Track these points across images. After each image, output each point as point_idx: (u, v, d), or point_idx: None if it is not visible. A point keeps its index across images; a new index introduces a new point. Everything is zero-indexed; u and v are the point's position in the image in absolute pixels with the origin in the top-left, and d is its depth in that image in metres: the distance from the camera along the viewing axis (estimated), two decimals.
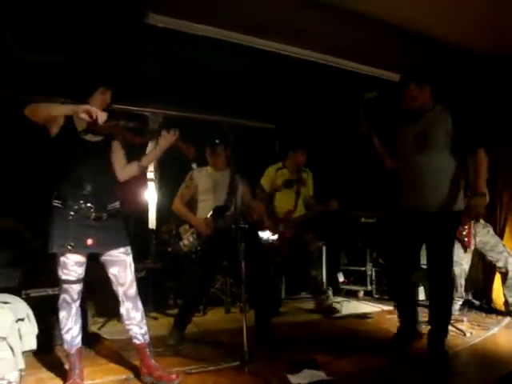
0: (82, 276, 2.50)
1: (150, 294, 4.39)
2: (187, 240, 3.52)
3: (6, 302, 2.65)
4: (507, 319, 4.04)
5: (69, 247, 2.38)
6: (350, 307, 4.91)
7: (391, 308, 4.50)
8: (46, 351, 3.06)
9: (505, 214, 4.49)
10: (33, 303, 3.00)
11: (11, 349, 2.44)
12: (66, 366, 2.62)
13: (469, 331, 3.59)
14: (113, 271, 2.57)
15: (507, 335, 3.70)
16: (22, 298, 3.02)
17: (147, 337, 2.65)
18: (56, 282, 3.26)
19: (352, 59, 4.25)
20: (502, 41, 3.90)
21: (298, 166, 4.64)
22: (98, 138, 2.54)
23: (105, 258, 2.55)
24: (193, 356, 3.07)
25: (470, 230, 4.12)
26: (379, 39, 3.84)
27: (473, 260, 4.41)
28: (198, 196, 3.60)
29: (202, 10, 3.37)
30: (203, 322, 4.11)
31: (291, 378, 2.62)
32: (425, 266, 3.03)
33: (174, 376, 2.54)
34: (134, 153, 2.76)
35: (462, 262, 4.17)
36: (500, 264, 4.19)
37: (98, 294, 3.78)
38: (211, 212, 3.49)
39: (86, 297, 2.60)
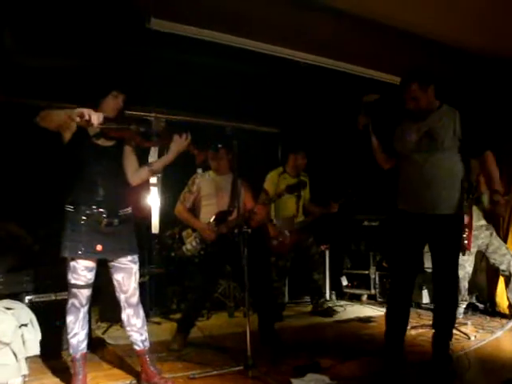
0: (91, 281, 2.51)
1: (153, 298, 4.40)
2: (190, 245, 3.52)
3: (9, 308, 2.66)
4: (511, 323, 4.02)
5: (79, 252, 2.40)
6: (354, 311, 4.90)
7: None
8: (50, 357, 3.07)
9: (508, 216, 4.47)
10: (36, 309, 3.03)
11: (14, 354, 2.46)
12: (70, 372, 2.62)
13: (473, 334, 3.57)
14: (117, 277, 2.58)
15: (511, 339, 3.68)
16: (25, 304, 3.04)
17: (147, 343, 2.66)
18: (58, 287, 3.30)
19: (353, 62, 4.25)
20: (505, 43, 3.89)
21: (299, 170, 4.66)
22: (110, 142, 2.55)
23: (112, 263, 2.57)
24: (196, 360, 3.08)
25: (470, 232, 4.10)
26: (380, 42, 3.84)
27: (477, 263, 4.40)
28: (201, 200, 3.60)
29: (204, 14, 3.38)
30: (207, 326, 4.10)
31: (295, 382, 2.62)
32: (428, 269, 3.01)
33: None
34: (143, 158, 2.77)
35: (465, 264, 4.16)
36: (503, 267, 4.17)
37: (102, 300, 3.78)
38: (214, 216, 3.50)
39: (90, 302, 2.59)
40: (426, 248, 3.00)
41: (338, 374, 2.76)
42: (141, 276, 2.90)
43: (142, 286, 2.75)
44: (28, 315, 2.80)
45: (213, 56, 3.96)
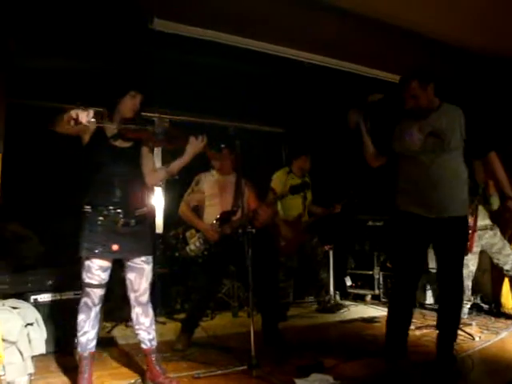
0: (104, 281, 2.52)
1: (158, 298, 4.41)
2: (194, 245, 3.53)
3: (14, 307, 2.69)
4: None
5: (96, 252, 2.42)
6: (358, 311, 4.91)
7: None
8: (55, 356, 3.09)
9: None
10: (41, 308, 3.05)
11: (20, 353, 2.48)
12: (75, 370, 2.64)
13: (477, 335, 3.56)
14: (130, 276, 2.60)
15: None
16: (30, 303, 3.06)
17: (154, 343, 2.68)
18: (64, 287, 3.33)
19: (357, 62, 4.25)
20: (507, 43, 3.87)
21: (304, 171, 4.69)
22: (128, 143, 2.57)
23: (127, 263, 2.59)
24: (201, 360, 3.09)
25: (473, 233, 4.09)
26: (384, 41, 3.83)
27: (482, 263, 4.39)
28: (205, 201, 3.61)
29: (207, 14, 3.39)
30: (211, 326, 4.11)
31: (298, 381, 2.62)
32: (432, 270, 2.99)
33: None
34: None
35: (468, 263, 4.15)
36: (507, 267, 4.16)
37: (107, 299, 3.80)
38: (217, 217, 3.51)
39: (103, 302, 2.61)
40: (430, 248, 2.99)
41: (341, 373, 2.76)
42: None
43: None
44: (34, 314, 2.82)
45: (216, 56, 3.96)
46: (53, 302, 3.27)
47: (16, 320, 2.56)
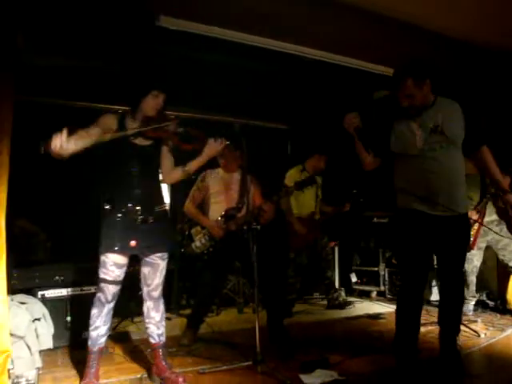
0: (119, 278, 2.54)
1: (164, 294, 4.43)
2: (199, 242, 3.55)
3: (22, 303, 2.72)
4: None
5: (116, 248, 2.46)
6: (363, 307, 4.92)
7: None
8: (63, 350, 3.13)
9: None
10: (48, 304, 3.08)
11: (28, 348, 2.51)
12: (82, 365, 2.67)
13: (483, 332, 3.56)
14: (144, 271, 2.64)
15: None
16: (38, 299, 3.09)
17: (163, 338, 2.70)
18: (71, 283, 3.36)
19: (362, 58, 4.23)
20: (509, 36, 3.84)
21: (317, 170, 4.73)
22: (148, 142, 2.60)
23: (143, 258, 2.63)
24: (206, 356, 3.11)
25: (478, 230, 4.08)
26: (390, 37, 3.81)
27: (488, 260, 4.38)
28: (210, 198, 3.62)
29: (214, 11, 3.39)
30: (216, 322, 4.14)
31: (303, 377, 2.64)
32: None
33: (180, 379, 2.56)
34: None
35: (473, 258, 4.15)
36: None
37: None
38: (223, 213, 3.52)
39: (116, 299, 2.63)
40: None
41: (346, 369, 2.78)
42: None
43: None
44: (41, 310, 2.86)
45: (221, 53, 3.96)
46: (60, 298, 3.30)
47: (24, 315, 2.59)
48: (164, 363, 2.66)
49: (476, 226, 4.07)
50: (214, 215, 3.56)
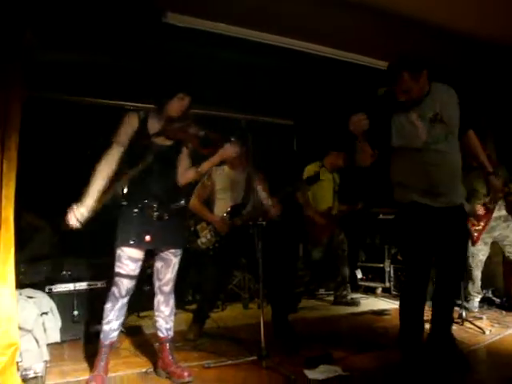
0: (133, 273, 2.56)
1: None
2: (205, 238, 3.57)
3: (30, 297, 2.76)
4: None
5: (131, 242, 2.49)
6: (368, 304, 4.92)
7: None
8: (70, 344, 3.16)
9: None
10: (55, 298, 3.11)
11: (36, 341, 2.54)
12: (89, 359, 2.70)
13: (488, 329, 3.55)
14: (157, 265, 2.69)
15: None
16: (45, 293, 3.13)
17: (171, 332, 2.73)
18: (78, 278, 3.39)
19: (368, 54, 4.22)
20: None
21: (335, 167, 4.76)
22: (169, 142, 2.64)
23: (158, 253, 2.68)
24: (211, 350, 3.14)
25: (485, 225, 4.05)
26: (394, 33, 3.80)
27: (493, 257, 4.36)
28: (215, 194, 3.64)
29: (221, 8, 3.40)
30: (222, 317, 4.16)
31: (308, 372, 2.66)
32: None
33: (186, 373, 2.59)
34: None
35: (478, 253, 4.13)
36: None
37: None
38: (228, 209, 3.53)
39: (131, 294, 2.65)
40: None
41: (350, 365, 2.79)
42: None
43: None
44: (48, 304, 2.89)
45: (227, 50, 3.96)
46: (67, 292, 3.33)
47: (32, 309, 2.63)
48: (170, 357, 2.69)
49: (483, 222, 4.05)
50: (219, 211, 3.58)
